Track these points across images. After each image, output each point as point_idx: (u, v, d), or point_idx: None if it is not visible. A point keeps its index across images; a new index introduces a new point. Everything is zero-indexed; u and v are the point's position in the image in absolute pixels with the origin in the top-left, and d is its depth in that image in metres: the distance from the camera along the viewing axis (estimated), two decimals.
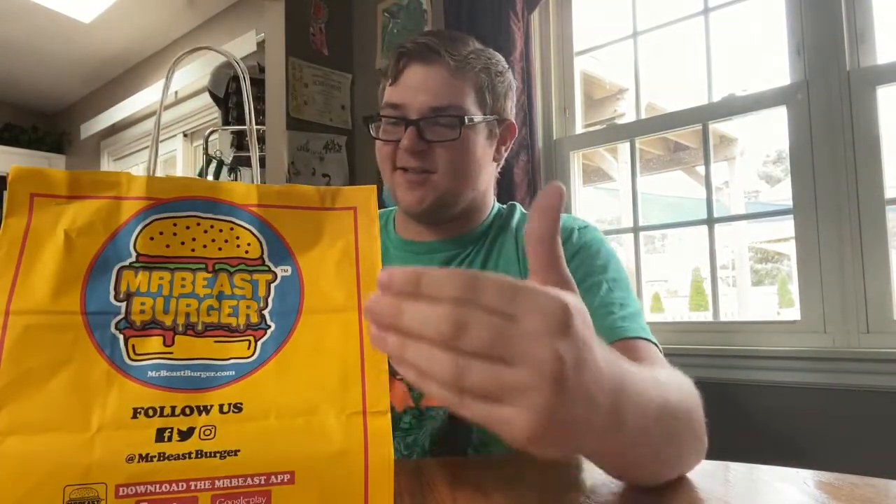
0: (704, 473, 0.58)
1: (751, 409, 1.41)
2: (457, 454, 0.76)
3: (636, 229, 1.76)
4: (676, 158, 4.25)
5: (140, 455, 0.37)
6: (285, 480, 0.38)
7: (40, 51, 3.71)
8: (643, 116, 1.79)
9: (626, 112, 2.91)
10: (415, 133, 0.77)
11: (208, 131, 2.67)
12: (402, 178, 0.81)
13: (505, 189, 1.66)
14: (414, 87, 0.79)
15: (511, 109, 0.87)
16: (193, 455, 0.38)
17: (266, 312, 0.44)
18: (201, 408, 0.39)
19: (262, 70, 2.46)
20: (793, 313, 1.55)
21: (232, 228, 0.45)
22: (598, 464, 0.48)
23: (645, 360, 0.67)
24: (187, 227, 0.45)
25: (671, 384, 0.50)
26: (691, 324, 1.66)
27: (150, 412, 0.38)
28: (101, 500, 0.36)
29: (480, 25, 1.77)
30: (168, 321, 0.42)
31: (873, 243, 1.31)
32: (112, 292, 0.42)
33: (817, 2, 1.41)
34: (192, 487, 0.37)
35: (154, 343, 0.41)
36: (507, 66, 0.86)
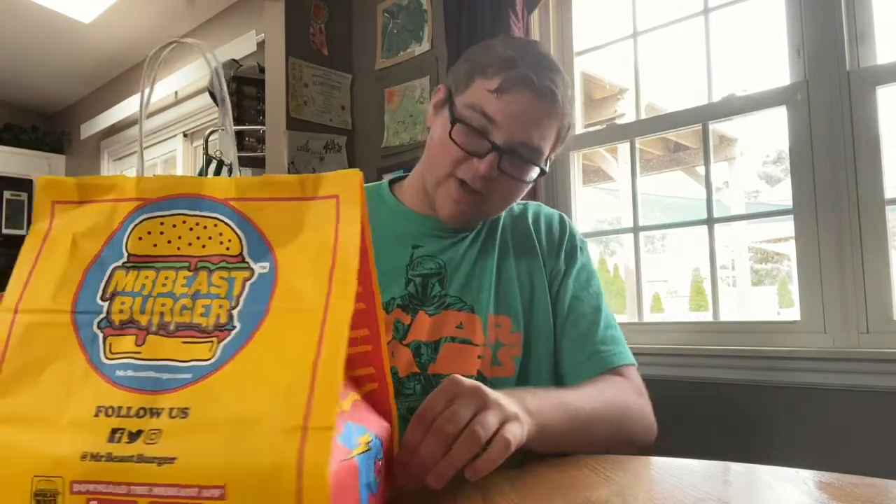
0: (704, 473, 0.58)
1: (751, 409, 1.41)
2: None
3: (636, 229, 1.76)
4: (676, 158, 4.25)
5: (91, 454, 0.37)
6: (216, 496, 0.35)
7: (40, 51, 3.71)
8: (643, 116, 1.79)
9: (626, 112, 2.90)
10: (495, 160, 0.77)
11: (208, 131, 2.67)
12: (456, 192, 0.81)
13: None
14: (515, 114, 0.77)
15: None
16: (135, 459, 0.37)
17: (235, 312, 0.41)
18: (153, 410, 0.38)
19: (262, 70, 2.46)
20: (793, 313, 1.55)
21: (216, 225, 0.44)
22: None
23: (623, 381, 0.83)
24: (174, 226, 0.44)
25: (592, 398, 0.74)
26: (691, 324, 1.65)
27: (110, 411, 0.38)
28: (60, 493, 0.37)
29: (480, 25, 1.77)
30: (144, 321, 0.42)
31: (873, 243, 1.31)
32: (100, 292, 0.43)
33: (817, 2, 1.41)
34: (132, 492, 0.36)
35: (127, 342, 0.41)
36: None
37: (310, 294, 0.41)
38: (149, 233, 0.44)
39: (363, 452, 0.42)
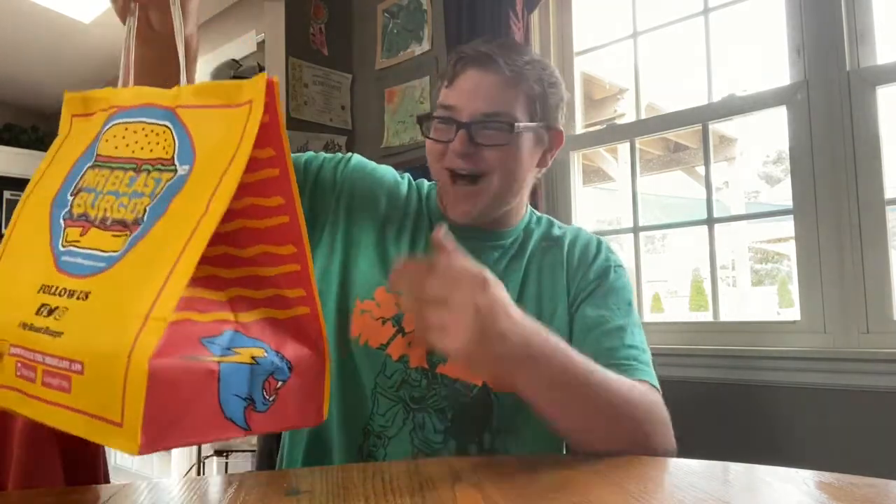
0: (704, 473, 0.58)
1: (751, 409, 1.41)
2: (476, 433, 0.80)
3: (636, 229, 1.76)
4: (676, 158, 4.25)
5: (24, 323, 0.43)
6: (78, 370, 0.39)
7: (40, 51, 3.71)
8: (643, 116, 1.79)
9: (625, 112, 2.91)
10: (465, 136, 0.80)
11: None
12: (451, 185, 0.83)
13: None
14: (467, 91, 0.81)
15: (560, 119, 0.90)
16: (43, 331, 0.42)
17: (148, 208, 0.44)
18: (70, 291, 0.43)
19: (262, 70, 2.46)
20: (793, 313, 1.55)
21: (164, 131, 0.48)
22: (540, 410, 0.67)
23: None
24: (134, 132, 0.48)
25: (612, 376, 0.69)
26: (691, 324, 1.66)
27: (45, 289, 0.44)
28: (3, 354, 0.44)
29: (480, 25, 1.77)
30: (93, 214, 0.46)
31: (873, 243, 1.31)
32: (72, 188, 0.49)
33: (817, 2, 1.41)
34: (35, 359, 0.42)
35: (75, 233, 0.46)
36: (559, 78, 0.89)
37: (200, 195, 0.43)
38: (114, 136, 0.49)
39: (239, 363, 0.42)
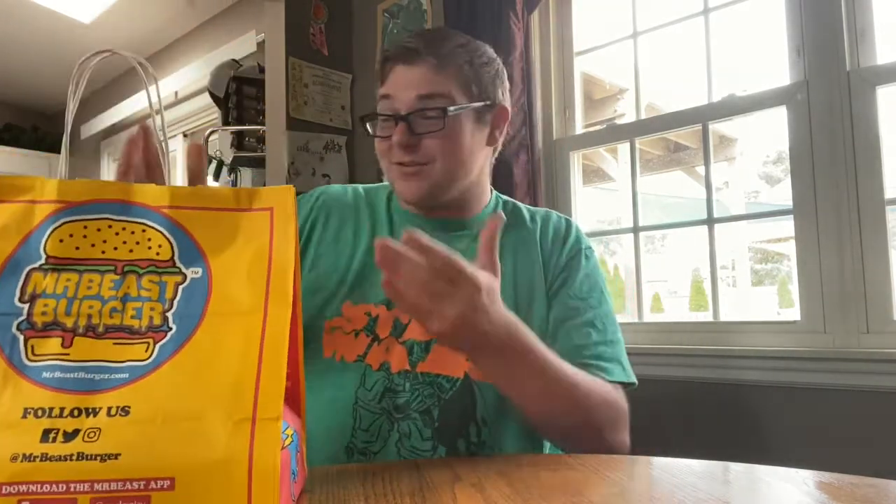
0: (704, 473, 0.58)
1: (751, 409, 1.41)
2: (462, 427, 0.80)
3: (636, 229, 1.76)
4: (676, 158, 4.25)
5: (24, 455, 0.37)
6: (165, 486, 0.37)
7: (40, 51, 3.71)
8: (643, 117, 1.79)
9: (625, 112, 2.90)
10: (404, 128, 0.81)
11: (208, 131, 2.67)
12: (398, 171, 0.85)
13: (505, 189, 1.65)
14: (399, 85, 0.83)
15: (502, 95, 0.90)
16: (75, 457, 0.37)
17: (170, 314, 0.43)
18: (89, 410, 0.39)
19: (262, 70, 2.46)
20: (793, 313, 1.55)
21: (144, 231, 0.45)
22: (511, 396, 0.73)
23: None
24: (98, 230, 0.45)
25: (580, 376, 0.75)
26: (691, 324, 1.65)
27: (40, 413, 0.39)
28: None
29: (480, 25, 1.77)
30: (69, 323, 0.42)
31: (873, 243, 1.31)
32: (17, 294, 0.42)
33: (817, 2, 1.41)
34: (72, 489, 0.37)
35: (52, 344, 0.41)
36: (493, 55, 0.90)
37: (247, 299, 0.44)
38: (70, 235, 0.44)
39: (289, 444, 0.46)
